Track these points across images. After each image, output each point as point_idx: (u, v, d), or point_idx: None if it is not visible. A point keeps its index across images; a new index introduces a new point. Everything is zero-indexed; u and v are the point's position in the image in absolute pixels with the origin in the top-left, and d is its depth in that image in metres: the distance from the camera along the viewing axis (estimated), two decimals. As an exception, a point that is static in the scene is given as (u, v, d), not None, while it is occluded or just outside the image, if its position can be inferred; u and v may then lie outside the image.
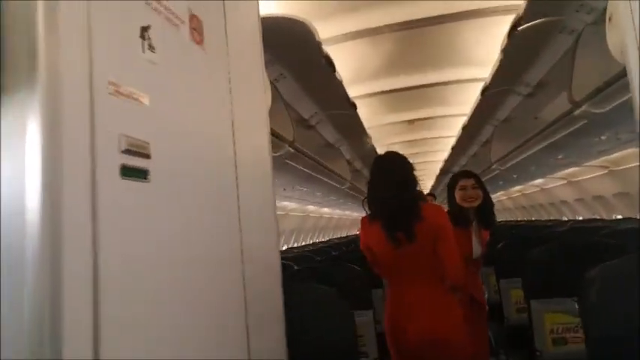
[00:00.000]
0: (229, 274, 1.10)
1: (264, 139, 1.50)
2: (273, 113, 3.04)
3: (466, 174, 2.50)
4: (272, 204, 1.49)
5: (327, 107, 3.88)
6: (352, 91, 3.72)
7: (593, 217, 6.53)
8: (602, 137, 3.05)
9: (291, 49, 2.37)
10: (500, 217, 12.61)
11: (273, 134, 2.69)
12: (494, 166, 5.33)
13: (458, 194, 2.45)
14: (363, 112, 4.73)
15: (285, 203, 6.74)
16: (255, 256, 1.30)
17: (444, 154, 7.54)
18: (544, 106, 4.37)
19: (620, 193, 5.15)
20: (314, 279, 2.54)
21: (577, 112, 2.59)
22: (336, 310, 1.70)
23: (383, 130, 6.37)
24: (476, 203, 2.40)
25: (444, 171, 9.12)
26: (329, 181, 5.18)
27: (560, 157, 4.03)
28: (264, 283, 1.36)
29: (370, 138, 5.33)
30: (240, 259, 1.16)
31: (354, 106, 3.64)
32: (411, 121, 6.27)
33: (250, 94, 1.43)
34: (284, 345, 1.45)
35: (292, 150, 3.00)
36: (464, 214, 2.42)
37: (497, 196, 11.45)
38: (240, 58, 1.33)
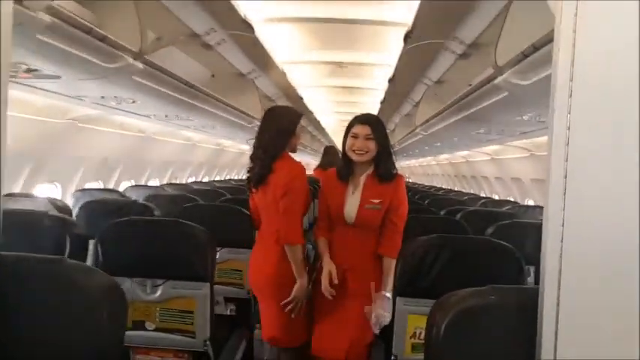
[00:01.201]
0: None
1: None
2: (114, 12, 2.29)
3: (362, 119, 2.00)
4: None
5: (223, 24, 3.13)
6: (253, 11, 2.98)
7: (508, 197, 6.38)
8: (524, 117, 2.58)
9: None
10: (426, 182, 12.54)
11: (102, 39, 1.94)
12: (417, 130, 4.85)
13: (348, 141, 2.01)
14: (276, 40, 4.00)
15: (191, 134, 5.96)
16: None
17: (376, 107, 7.01)
18: (480, 72, 3.86)
19: (537, 180, 4.91)
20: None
21: (498, 81, 2.05)
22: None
23: (309, 70, 5.68)
24: (364, 158, 1.97)
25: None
26: (229, 117, 4.45)
27: (481, 131, 3.59)
28: None
29: (284, 74, 4.62)
30: None
31: (249, 26, 2.91)
32: (340, 64, 5.62)
33: None
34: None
35: (140, 65, 2.26)
36: (347, 166, 2.03)
37: (427, 160, 11.28)
38: None
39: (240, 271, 2.88)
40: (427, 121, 4.27)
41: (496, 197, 6.67)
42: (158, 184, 6.00)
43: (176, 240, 2.17)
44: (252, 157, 2.12)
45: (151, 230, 2.26)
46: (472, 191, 8.12)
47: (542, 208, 3.30)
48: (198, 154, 7.36)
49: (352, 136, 1.98)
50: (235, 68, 4.62)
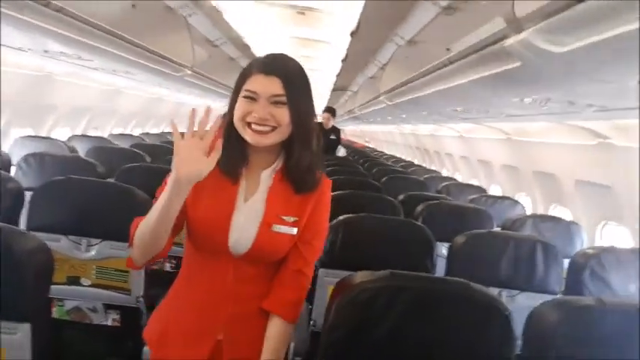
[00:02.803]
0: None
1: None
2: None
3: (268, 66, 1.11)
4: None
5: None
6: None
7: (472, 179, 5.81)
8: (526, 99, 1.85)
9: None
10: (386, 150, 11.90)
11: None
12: (381, 98, 4.06)
13: (240, 106, 1.11)
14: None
15: (114, 79, 4.88)
16: None
17: (337, 65, 6.11)
18: (466, 33, 3.06)
19: (508, 166, 4.32)
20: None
21: (512, 42, 1.28)
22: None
23: (265, 17, 4.69)
24: (268, 139, 1.11)
25: (336, 89, 7.80)
26: (144, 62, 3.47)
27: (459, 109, 2.86)
28: None
29: (220, 12, 3.65)
30: None
31: None
32: (301, 11, 4.68)
33: None
34: None
35: None
36: (238, 151, 1.14)
37: (389, 128, 10.57)
38: None
39: (126, 272, 2.11)
40: (393, 89, 3.48)
41: (459, 177, 6.12)
42: (70, 135, 4.96)
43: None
44: None
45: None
46: (434, 167, 7.57)
47: (509, 199, 2.64)
48: (127, 102, 6.27)
49: (247, 97, 1.09)
50: (160, -1, 3.60)
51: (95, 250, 2.05)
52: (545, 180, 3.45)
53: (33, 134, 4.23)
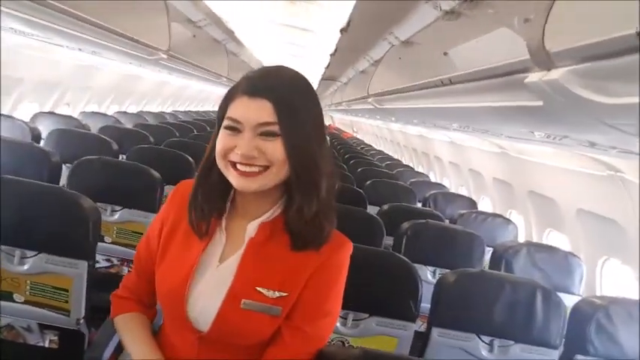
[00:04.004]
0: None
1: None
2: None
3: (256, 85, 0.82)
4: None
5: None
6: None
7: (460, 187, 5.59)
8: (537, 133, 1.59)
9: None
10: (374, 144, 11.61)
11: None
12: (369, 100, 3.78)
13: (221, 138, 0.84)
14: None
15: (84, 55, 4.49)
16: None
17: (326, 59, 5.77)
18: (467, 39, 2.79)
19: (501, 181, 4.09)
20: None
21: (534, 79, 1.01)
22: None
23: (252, 2, 4.33)
24: (254, 183, 0.82)
25: (326, 78, 7.46)
26: (110, 44, 3.11)
27: (455, 125, 2.59)
28: None
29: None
30: None
31: None
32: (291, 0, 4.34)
33: None
34: None
35: None
36: (212, 197, 0.90)
37: (378, 123, 10.28)
38: None
39: (66, 291, 1.81)
40: (382, 94, 3.20)
41: (447, 183, 5.90)
42: (38, 110, 4.60)
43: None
44: None
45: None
46: (421, 168, 7.32)
47: (499, 217, 2.37)
48: (103, 78, 5.87)
49: (229, 127, 0.83)
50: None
51: (29, 263, 1.76)
52: (542, 202, 3.24)
53: (-9, 110, 3.86)
